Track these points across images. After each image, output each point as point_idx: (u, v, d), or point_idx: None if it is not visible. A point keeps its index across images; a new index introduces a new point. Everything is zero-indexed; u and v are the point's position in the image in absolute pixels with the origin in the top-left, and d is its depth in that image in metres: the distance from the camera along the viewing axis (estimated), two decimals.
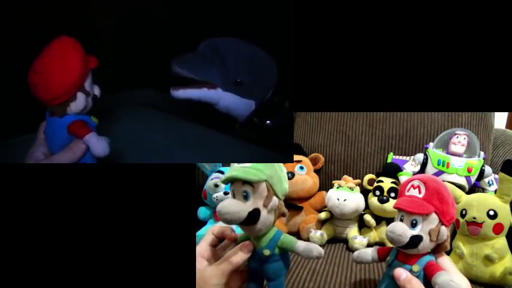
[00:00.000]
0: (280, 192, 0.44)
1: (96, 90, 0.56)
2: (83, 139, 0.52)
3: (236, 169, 0.42)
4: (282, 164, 0.46)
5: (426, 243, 0.43)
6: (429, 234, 0.43)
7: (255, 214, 0.41)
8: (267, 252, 0.43)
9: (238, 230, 0.48)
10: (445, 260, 0.45)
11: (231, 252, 0.43)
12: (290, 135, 0.76)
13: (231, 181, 0.42)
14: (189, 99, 0.65)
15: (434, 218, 0.43)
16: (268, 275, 0.44)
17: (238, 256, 0.42)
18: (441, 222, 0.43)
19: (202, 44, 0.67)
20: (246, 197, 0.41)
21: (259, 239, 0.43)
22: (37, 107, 0.52)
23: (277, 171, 0.44)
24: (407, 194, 0.46)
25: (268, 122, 0.69)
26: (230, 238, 0.47)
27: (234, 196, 0.42)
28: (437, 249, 0.45)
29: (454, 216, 0.45)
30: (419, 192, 0.45)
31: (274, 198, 0.42)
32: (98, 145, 0.52)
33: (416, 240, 0.42)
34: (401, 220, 0.44)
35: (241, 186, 0.41)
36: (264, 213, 0.41)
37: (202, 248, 0.45)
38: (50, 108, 0.53)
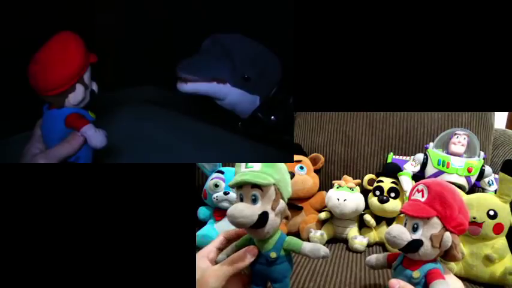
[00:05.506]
0: (286, 195, 0.44)
1: (94, 86, 0.56)
2: (80, 131, 0.52)
3: (245, 173, 0.41)
4: (286, 167, 0.46)
5: (428, 249, 0.42)
6: (431, 239, 0.42)
7: (263, 217, 0.40)
8: (273, 254, 0.42)
9: None
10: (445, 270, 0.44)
11: (235, 256, 0.42)
12: (291, 132, 0.76)
13: (241, 185, 0.42)
14: (196, 93, 0.64)
15: (436, 223, 0.42)
16: (274, 276, 0.44)
17: (242, 260, 0.42)
18: (445, 228, 0.42)
19: (206, 41, 0.66)
20: (254, 201, 0.41)
21: (265, 241, 0.43)
22: (38, 103, 0.52)
23: (284, 175, 0.44)
24: (412, 198, 0.46)
25: (273, 117, 0.68)
26: (243, 233, 0.47)
27: (241, 200, 0.42)
28: (446, 258, 0.44)
29: (463, 223, 0.43)
30: (422, 196, 0.44)
31: (281, 202, 0.43)
32: (95, 136, 0.52)
33: (415, 244, 0.42)
34: (405, 224, 0.44)
35: (250, 190, 0.41)
36: (271, 216, 0.41)
37: (209, 249, 0.45)
38: (48, 100, 0.53)
